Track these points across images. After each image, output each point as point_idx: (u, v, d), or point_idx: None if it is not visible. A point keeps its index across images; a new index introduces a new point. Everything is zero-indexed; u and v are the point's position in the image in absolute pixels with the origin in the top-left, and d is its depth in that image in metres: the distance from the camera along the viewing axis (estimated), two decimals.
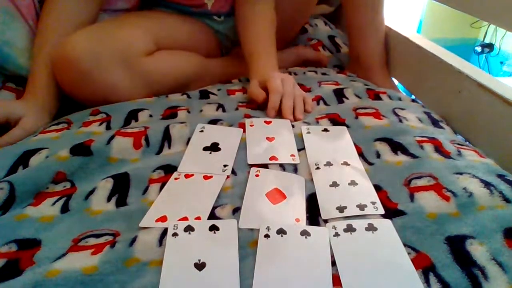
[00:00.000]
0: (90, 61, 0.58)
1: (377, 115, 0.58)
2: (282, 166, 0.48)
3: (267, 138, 0.53)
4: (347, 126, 0.56)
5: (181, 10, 0.76)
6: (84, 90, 0.61)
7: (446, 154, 0.49)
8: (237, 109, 0.63)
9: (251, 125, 0.56)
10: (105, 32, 0.62)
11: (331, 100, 0.66)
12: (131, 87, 0.63)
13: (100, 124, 0.57)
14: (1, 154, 0.49)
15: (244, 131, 0.55)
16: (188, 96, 0.68)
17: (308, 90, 0.71)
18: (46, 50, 0.62)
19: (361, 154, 0.50)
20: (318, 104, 0.65)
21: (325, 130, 0.55)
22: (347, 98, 0.66)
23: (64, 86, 0.61)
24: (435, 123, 0.59)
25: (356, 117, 0.58)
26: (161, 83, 0.67)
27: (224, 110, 0.63)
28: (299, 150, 0.51)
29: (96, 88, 0.60)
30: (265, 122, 0.57)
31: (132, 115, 0.59)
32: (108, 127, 0.56)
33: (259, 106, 0.63)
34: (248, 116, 0.59)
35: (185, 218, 0.39)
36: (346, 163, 0.48)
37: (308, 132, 0.55)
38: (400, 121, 0.57)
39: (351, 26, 0.85)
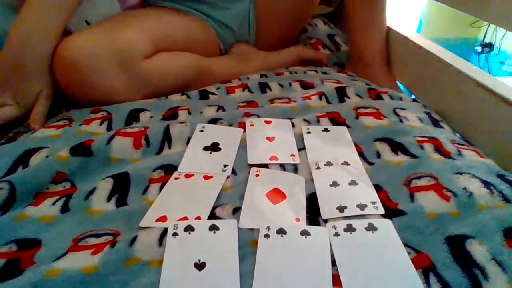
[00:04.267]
0: (89, 63, 0.58)
1: (377, 115, 0.58)
2: (282, 166, 0.48)
3: (267, 138, 0.53)
4: (348, 126, 0.56)
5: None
6: (83, 92, 0.61)
7: (446, 154, 0.49)
8: (237, 109, 0.63)
9: (251, 125, 0.56)
10: (104, 34, 0.62)
11: (333, 98, 0.66)
12: (130, 90, 0.63)
13: (101, 124, 0.57)
14: (1, 153, 0.49)
15: (244, 131, 0.55)
16: (188, 97, 0.68)
17: (311, 86, 0.72)
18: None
19: (361, 154, 0.50)
20: (320, 99, 0.65)
21: (326, 130, 0.56)
22: (349, 97, 0.66)
23: (63, 87, 0.61)
24: (435, 123, 0.59)
25: (357, 117, 0.58)
26: (160, 85, 0.67)
27: (224, 111, 0.63)
28: (299, 150, 0.51)
29: (95, 90, 0.60)
30: (265, 122, 0.57)
31: (133, 116, 0.59)
32: (109, 128, 0.56)
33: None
34: (248, 115, 0.59)
35: (185, 218, 0.39)
36: (346, 163, 0.48)
37: (309, 132, 0.55)
38: (401, 121, 0.57)
39: (353, 21, 0.85)
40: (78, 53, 0.58)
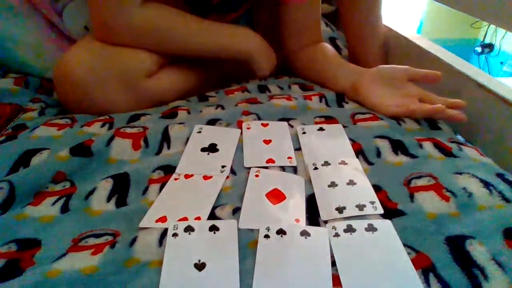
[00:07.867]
0: (91, 81, 0.58)
1: (375, 118, 0.58)
2: (282, 167, 0.48)
3: (264, 141, 0.53)
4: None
5: None
6: (85, 107, 0.61)
7: (447, 150, 0.48)
8: (236, 105, 0.62)
9: (248, 128, 0.56)
10: (108, 51, 0.60)
11: (332, 102, 0.66)
12: (131, 106, 0.63)
13: (102, 126, 0.57)
14: (2, 153, 0.49)
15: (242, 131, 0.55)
16: (188, 101, 0.68)
17: (310, 89, 0.72)
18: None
19: (361, 152, 0.50)
20: (320, 101, 0.65)
21: (321, 129, 0.55)
22: (347, 103, 0.66)
23: (64, 102, 0.61)
24: (434, 124, 0.59)
25: (354, 124, 0.58)
26: (163, 100, 0.66)
27: (223, 109, 0.62)
28: (296, 149, 0.51)
29: (96, 106, 0.60)
30: (262, 124, 0.57)
31: (134, 120, 0.59)
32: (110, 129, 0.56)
33: None
34: (247, 113, 0.59)
35: (185, 218, 0.39)
36: (343, 162, 0.48)
37: (304, 133, 0.55)
38: (399, 123, 0.57)
39: (348, 28, 0.85)
40: (80, 69, 0.57)
